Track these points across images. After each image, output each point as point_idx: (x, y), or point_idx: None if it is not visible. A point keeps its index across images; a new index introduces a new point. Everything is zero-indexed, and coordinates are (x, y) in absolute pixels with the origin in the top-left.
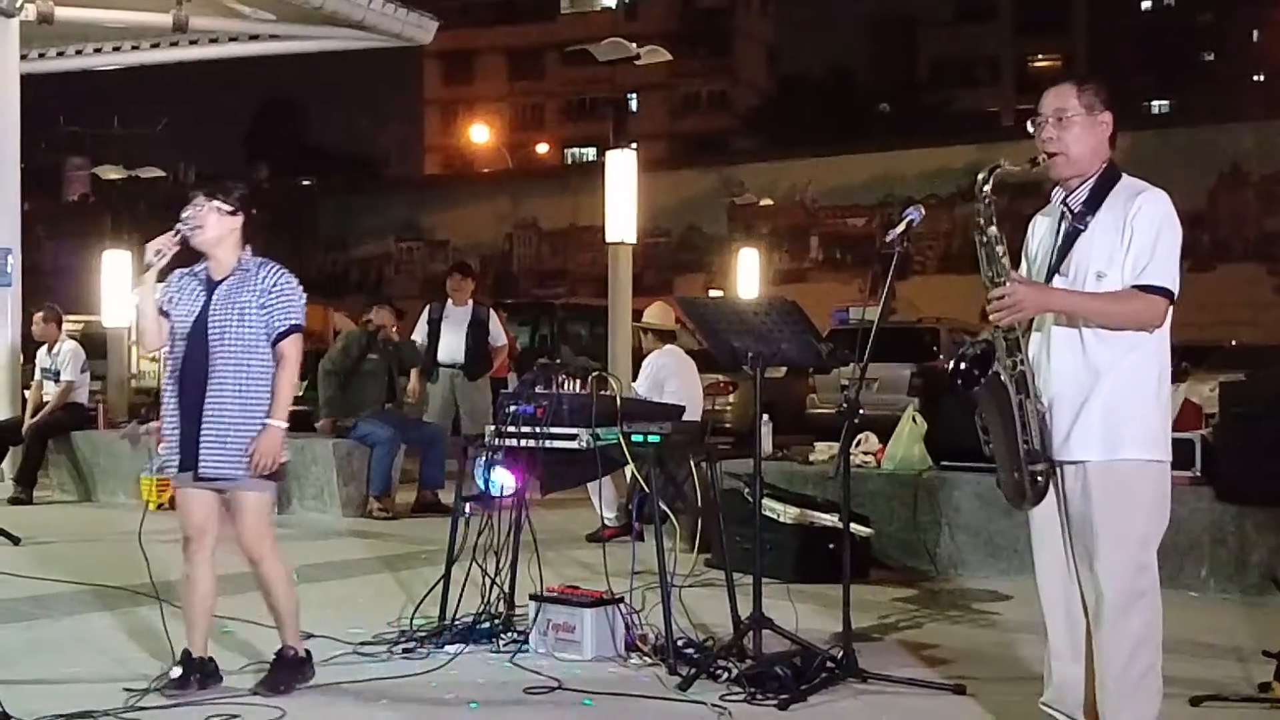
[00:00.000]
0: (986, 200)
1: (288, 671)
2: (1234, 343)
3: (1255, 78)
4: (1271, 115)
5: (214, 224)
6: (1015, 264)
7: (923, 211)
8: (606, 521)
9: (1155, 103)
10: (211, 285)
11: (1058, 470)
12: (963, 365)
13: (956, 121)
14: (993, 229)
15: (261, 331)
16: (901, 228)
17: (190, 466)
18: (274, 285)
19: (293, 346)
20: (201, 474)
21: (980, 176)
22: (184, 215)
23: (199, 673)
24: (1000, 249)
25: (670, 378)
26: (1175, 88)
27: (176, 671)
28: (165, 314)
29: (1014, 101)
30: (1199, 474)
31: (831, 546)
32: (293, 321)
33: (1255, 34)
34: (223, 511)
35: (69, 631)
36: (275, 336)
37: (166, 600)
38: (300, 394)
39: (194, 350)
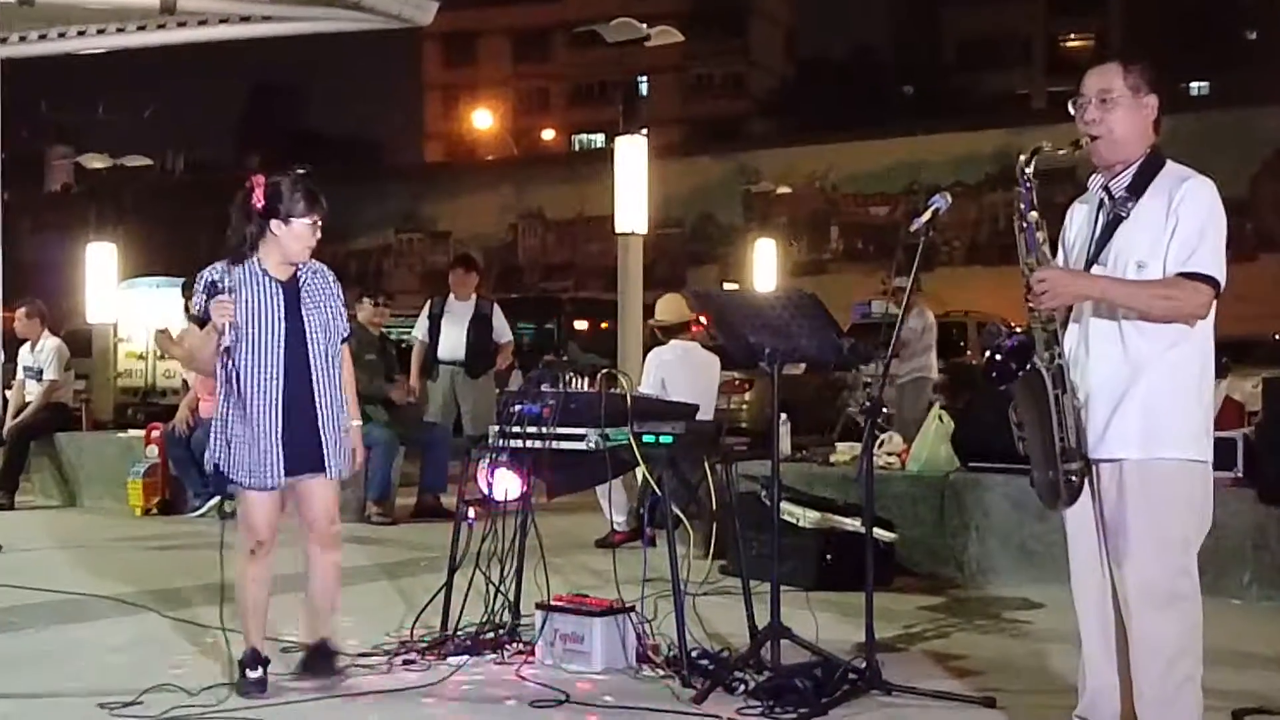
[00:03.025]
0: (1028, 184)
1: (330, 660)
2: (1278, 336)
3: None
4: None
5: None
6: (1053, 253)
7: (949, 199)
8: (616, 526)
9: (1194, 84)
10: (284, 286)
11: (1093, 469)
12: (998, 357)
13: (985, 104)
14: (1033, 214)
15: (340, 332)
16: (927, 216)
17: (304, 470)
18: (337, 290)
19: (346, 349)
20: (332, 476)
21: (1022, 158)
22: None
23: (262, 662)
24: (1041, 235)
25: (669, 375)
26: (1215, 68)
27: (256, 673)
28: (218, 329)
29: (1045, 83)
30: (1241, 475)
31: (849, 553)
32: (349, 325)
33: None
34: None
35: (52, 644)
36: (345, 337)
37: (156, 610)
38: None
39: (293, 355)
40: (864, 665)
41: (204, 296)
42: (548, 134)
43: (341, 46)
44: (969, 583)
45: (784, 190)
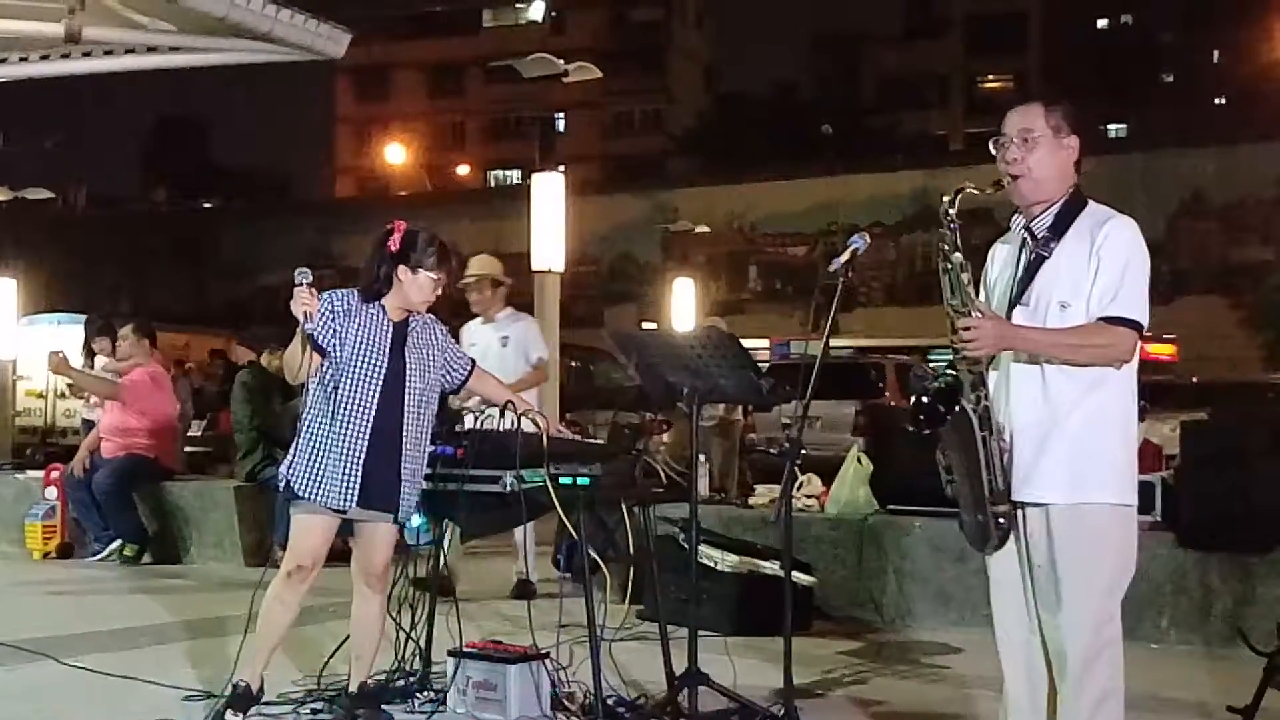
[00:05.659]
0: (951, 225)
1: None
2: (1195, 380)
3: (1217, 100)
4: (1234, 140)
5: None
6: (977, 293)
7: (868, 240)
8: (528, 576)
9: (1112, 126)
10: (395, 326)
11: (1019, 512)
12: (925, 400)
13: (903, 145)
14: (957, 255)
15: (438, 384)
16: (845, 257)
17: (375, 507)
18: (447, 340)
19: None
20: (400, 519)
21: (945, 200)
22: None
23: (252, 703)
24: (965, 276)
25: (534, 337)
26: (1133, 111)
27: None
28: (320, 349)
29: (963, 125)
30: (1159, 519)
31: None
32: (459, 372)
33: (1217, 55)
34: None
35: None
36: (467, 375)
37: (54, 657)
38: (198, 434)
39: (390, 391)
40: (783, 712)
41: (322, 314)
42: (463, 170)
43: (252, 79)
44: (888, 626)
45: (702, 229)
